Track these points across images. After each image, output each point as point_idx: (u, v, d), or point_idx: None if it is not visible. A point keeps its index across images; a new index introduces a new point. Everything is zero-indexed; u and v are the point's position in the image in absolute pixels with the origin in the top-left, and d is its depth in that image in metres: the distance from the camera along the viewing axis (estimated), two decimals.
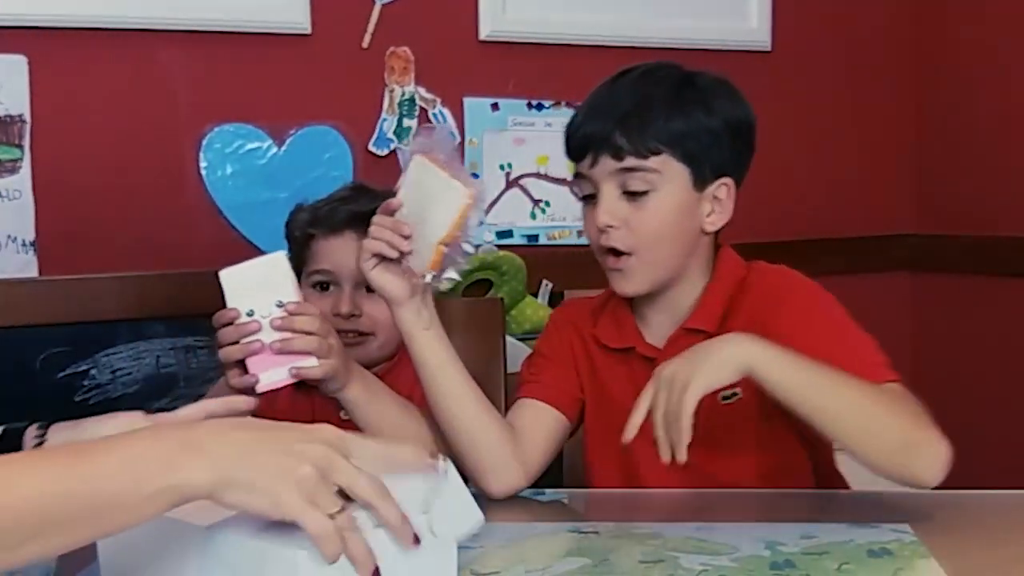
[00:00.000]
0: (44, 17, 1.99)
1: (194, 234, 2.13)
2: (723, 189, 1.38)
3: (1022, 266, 2.48)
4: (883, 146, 2.73)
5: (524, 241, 2.41)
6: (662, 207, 1.34)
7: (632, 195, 1.34)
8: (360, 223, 1.51)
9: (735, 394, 1.33)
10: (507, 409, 1.73)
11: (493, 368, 1.72)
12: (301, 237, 1.56)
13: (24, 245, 2.00)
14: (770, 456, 1.38)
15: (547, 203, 2.44)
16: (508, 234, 2.40)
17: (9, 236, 1.99)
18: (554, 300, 2.34)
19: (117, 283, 2.05)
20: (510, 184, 2.41)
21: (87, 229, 2.04)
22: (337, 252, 1.52)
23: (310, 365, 1.29)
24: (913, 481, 1.18)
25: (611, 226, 1.35)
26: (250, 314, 1.28)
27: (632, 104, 1.35)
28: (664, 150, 1.33)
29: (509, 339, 2.03)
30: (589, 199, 1.38)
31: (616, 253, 1.36)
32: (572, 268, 2.39)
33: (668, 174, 1.34)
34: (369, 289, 1.51)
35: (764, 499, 1.30)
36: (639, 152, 1.33)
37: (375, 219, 1.32)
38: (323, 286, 1.53)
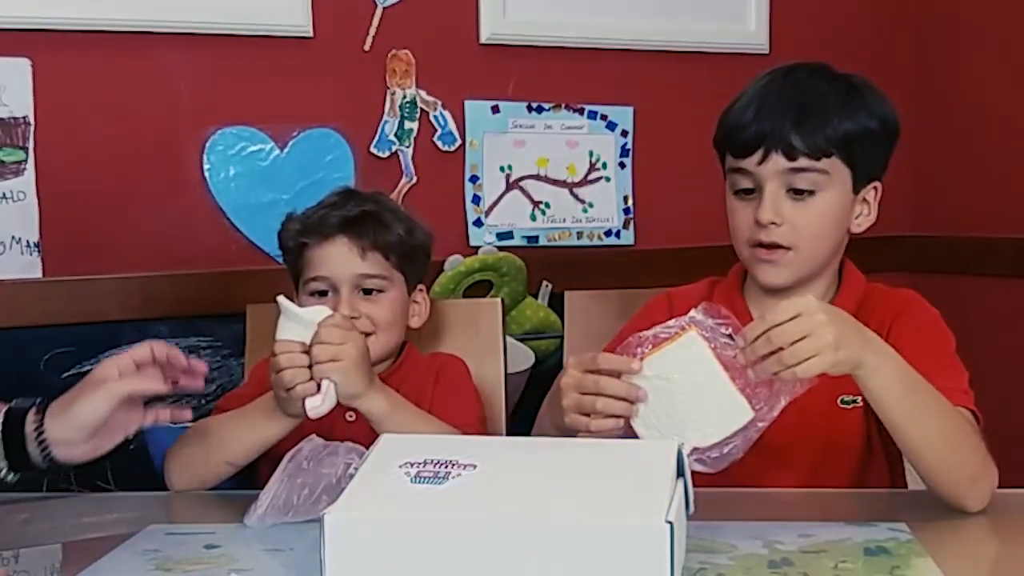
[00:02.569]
0: (47, 20, 1.99)
1: (197, 235, 2.14)
2: (872, 192, 1.41)
3: (1021, 267, 2.49)
4: None
5: (524, 242, 2.42)
6: (826, 208, 1.36)
7: (796, 193, 1.35)
8: (352, 227, 1.53)
9: (855, 401, 1.35)
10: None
11: (493, 369, 1.73)
12: (295, 247, 1.57)
13: (28, 246, 2.00)
14: (866, 465, 1.41)
15: (547, 204, 2.45)
16: (508, 235, 2.41)
17: (13, 237, 1.99)
18: (554, 301, 2.35)
19: (121, 284, 2.06)
20: (510, 186, 2.42)
21: (91, 230, 2.05)
22: (332, 258, 1.53)
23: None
24: (961, 507, 1.22)
25: (775, 223, 1.35)
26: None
27: (807, 104, 1.35)
28: (834, 152, 1.35)
29: (509, 339, 2.04)
30: (744, 192, 1.39)
31: (772, 246, 1.37)
32: (572, 269, 2.40)
33: (835, 176, 1.36)
34: (366, 291, 1.52)
35: (762, 498, 1.31)
36: (812, 153, 1.34)
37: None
38: (321, 293, 1.54)
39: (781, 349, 1.11)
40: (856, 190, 1.40)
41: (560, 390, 1.20)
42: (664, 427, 1.16)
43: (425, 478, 1.01)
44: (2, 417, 1.23)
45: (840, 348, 1.12)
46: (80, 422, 1.23)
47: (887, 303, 1.43)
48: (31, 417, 1.23)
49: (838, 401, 1.36)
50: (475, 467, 1.03)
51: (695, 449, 1.14)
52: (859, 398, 1.35)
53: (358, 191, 1.65)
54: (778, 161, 1.34)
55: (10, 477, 1.23)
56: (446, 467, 1.03)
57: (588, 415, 1.18)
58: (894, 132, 1.41)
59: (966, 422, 1.26)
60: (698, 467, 1.14)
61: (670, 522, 0.93)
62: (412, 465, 1.03)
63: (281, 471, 1.25)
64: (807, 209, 1.36)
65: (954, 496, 1.22)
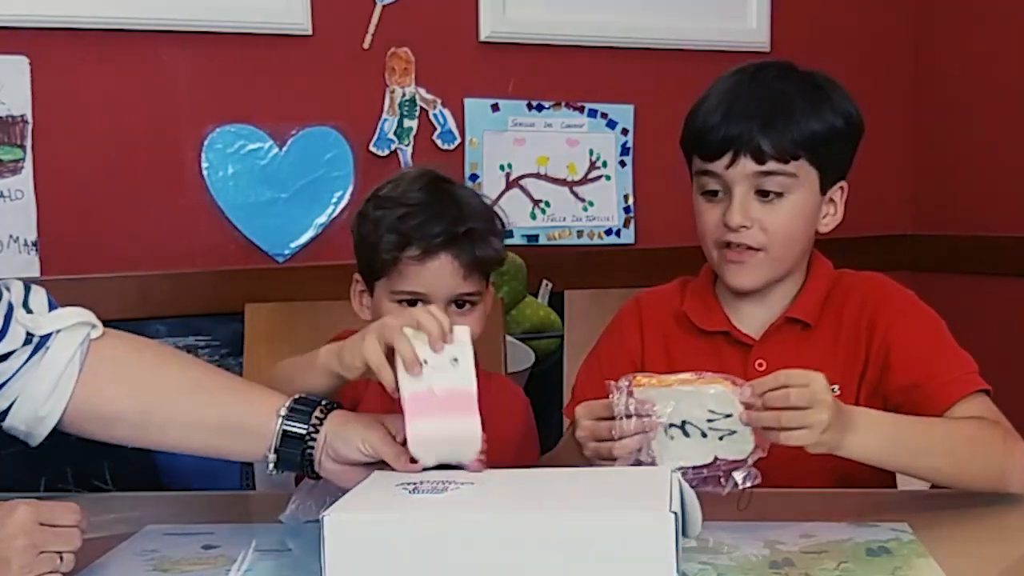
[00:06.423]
0: (45, 18, 1.99)
1: (195, 234, 2.14)
2: (839, 192, 1.41)
3: (1021, 266, 2.49)
4: (882, 147, 2.73)
5: (524, 241, 2.42)
6: (795, 210, 1.36)
7: (764, 195, 1.35)
8: (457, 245, 1.42)
9: (833, 389, 1.34)
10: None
11: (493, 368, 1.73)
12: (390, 258, 1.43)
13: (26, 245, 2.00)
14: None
15: (547, 203, 2.44)
16: (508, 234, 2.36)
17: (11, 236, 1.99)
18: (554, 300, 2.34)
19: (119, 283, 2.06)
20: (510, 184, 2.41)
21: (89, 229, 2.05)
22: (433, 275, 1.42)
23: None
24: (1005, 493, 1.26)
25: (744, 226, 1.35)
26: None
27: (774, 105, 1.34)
28: (802, 155, 1.34)
29: (509, 339, 2.04)
30: (711, 194, 1.38)
31: (741, 247, 1.37)
32: (572, 268, 2.40)
33: (803, 178, 1.36)
34: (458, 305, 1.44)
35: (763, 498, 1.31)
36: (781, 156, 1.33)
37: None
38: (409, 303, 1.43)
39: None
40: (824, 191, 1.39)
41: (572, 441, 1.23)
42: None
43: (424, 491, 1.04)
44: (291, 403, 1.14)
45: (827, 431, 1.13)
46: (343, 450, 1.12)
47: (858, 289, 1.42)
48: (316, 413, 1.13)
49: None
50: (472, 484, 1.05)
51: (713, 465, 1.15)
52: (836, 387, 1.34)
53: (445, 178, 1.50)
54: (747, 164, 1.34)
55: (274, 471, 1.14)
56: (443, 484, 1.05)
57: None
58: (858, 129, 1.41)
59: (975, 429, 1.27)
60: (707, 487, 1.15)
61: (675, 512, 0.93)
62: (409, 483, 1.06)
63: None
64: (776, 211, 1.36)
65: (988, 490, 1.25)
